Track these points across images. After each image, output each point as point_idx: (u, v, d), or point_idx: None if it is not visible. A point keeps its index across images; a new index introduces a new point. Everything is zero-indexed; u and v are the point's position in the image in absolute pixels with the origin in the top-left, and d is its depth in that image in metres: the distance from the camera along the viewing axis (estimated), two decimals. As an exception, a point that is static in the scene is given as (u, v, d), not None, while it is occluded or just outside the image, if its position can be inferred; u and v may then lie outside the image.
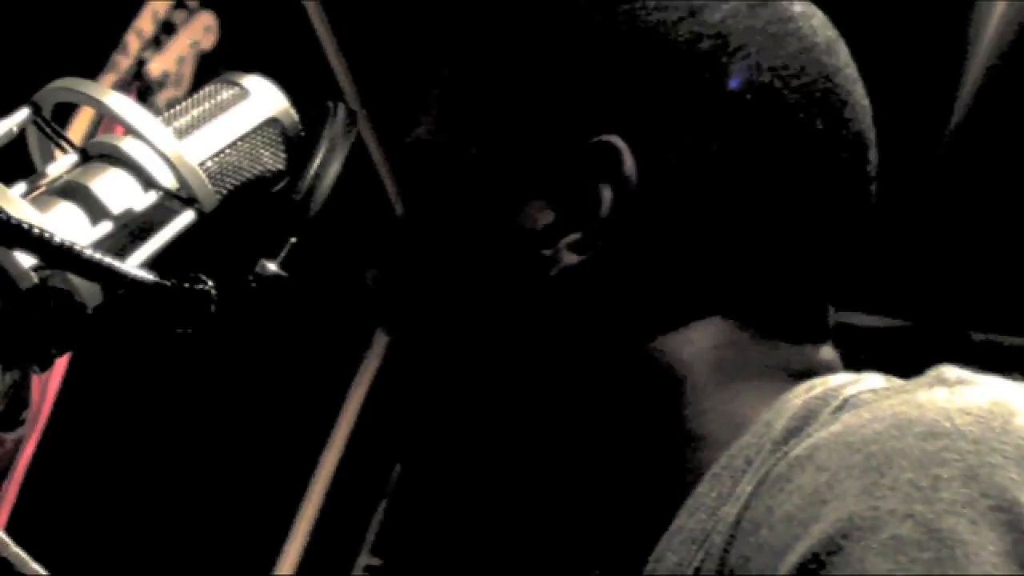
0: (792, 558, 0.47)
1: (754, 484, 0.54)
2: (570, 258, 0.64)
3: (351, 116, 0.66)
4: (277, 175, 0.65)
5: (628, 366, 0.64)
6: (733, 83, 0.64)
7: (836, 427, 0.53)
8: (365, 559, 3.33)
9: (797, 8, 0.66)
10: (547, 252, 0.64)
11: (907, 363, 0.69)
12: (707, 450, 0.62)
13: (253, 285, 0.60)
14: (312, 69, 2.74)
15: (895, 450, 0.49)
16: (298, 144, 0.66)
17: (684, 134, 0.64)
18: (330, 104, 0.66)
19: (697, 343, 0.64)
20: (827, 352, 0.67)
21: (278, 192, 0.65)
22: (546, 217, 0.65)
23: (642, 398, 0.64)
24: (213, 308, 0.56)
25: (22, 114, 0.61)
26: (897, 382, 0.60)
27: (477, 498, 0.71)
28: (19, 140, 0.62)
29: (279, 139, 0.65)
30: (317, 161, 0.63)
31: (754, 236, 0.64)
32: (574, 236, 0.64)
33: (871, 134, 0.67)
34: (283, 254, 0.61)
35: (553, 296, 0.64)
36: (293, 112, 0.66)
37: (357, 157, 0.65)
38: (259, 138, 0.64)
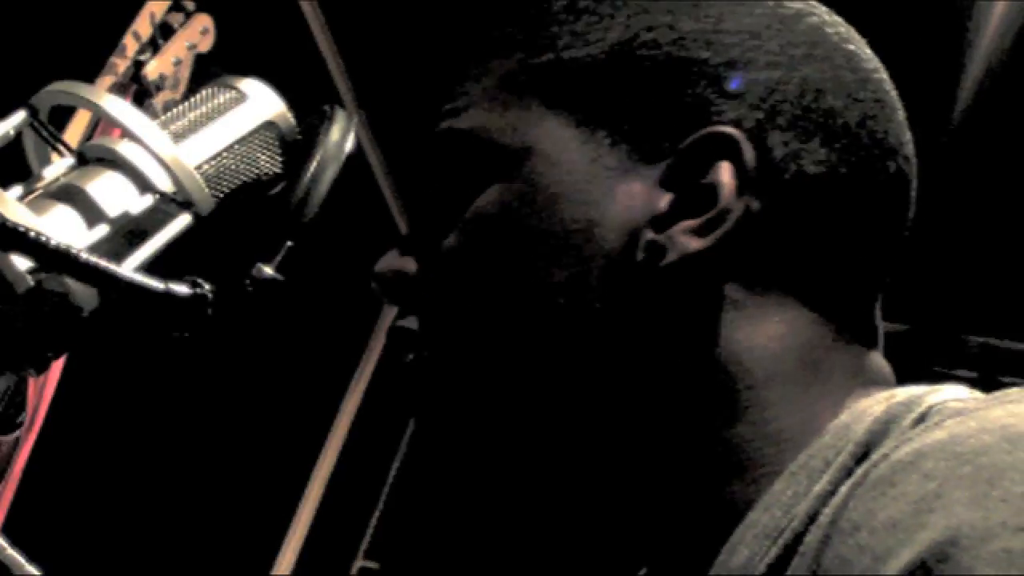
0: (896, 563, 0.47)
1: (848, 485, 0.54)
2: (693, 243, 0.62)
3: (348, 120, 0.66)
4: (274, 179, 0.65)
5: (710, 356, 0.64)
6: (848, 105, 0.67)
7: (940, 435, 0.52)
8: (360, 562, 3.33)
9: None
10: (656, 237, 0.63)
11: (903, 367, 0.69)
12: (783, 449, 0.62)
13: (249, 289, 0.59)
14: (309, 72, 2.74)
15: (1007, 463, 0.48)
16: (295, 148, 0.66)
17: (798, 133, 0.65)
18: (327, 108, 0.66)
19: (787, 340, 0.64)
20: (882, 359, 0.68)
21: (275, 196, 0.65)
22: (661, 200, 0.64)
23: (720, 390, 0.63)
24: (209, 311, 0.56)
25: (18, 117, 0.61)
26: (980, 394, 0.60)
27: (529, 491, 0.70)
28: (15, 143, 0.62)
29: (276, 143, 0.65)
30: (314, 165, 0.63)
31: (841, 241, 0.66)
32: (689, 223, 0.63)
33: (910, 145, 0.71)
34: (279, 258, 0.60)
35: (664, 282, 0.63)
36: (290, 116, 0.66)
37: (354, 161, 0.65)
38: (256, 142, 0.64)
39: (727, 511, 0.61)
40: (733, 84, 0.65)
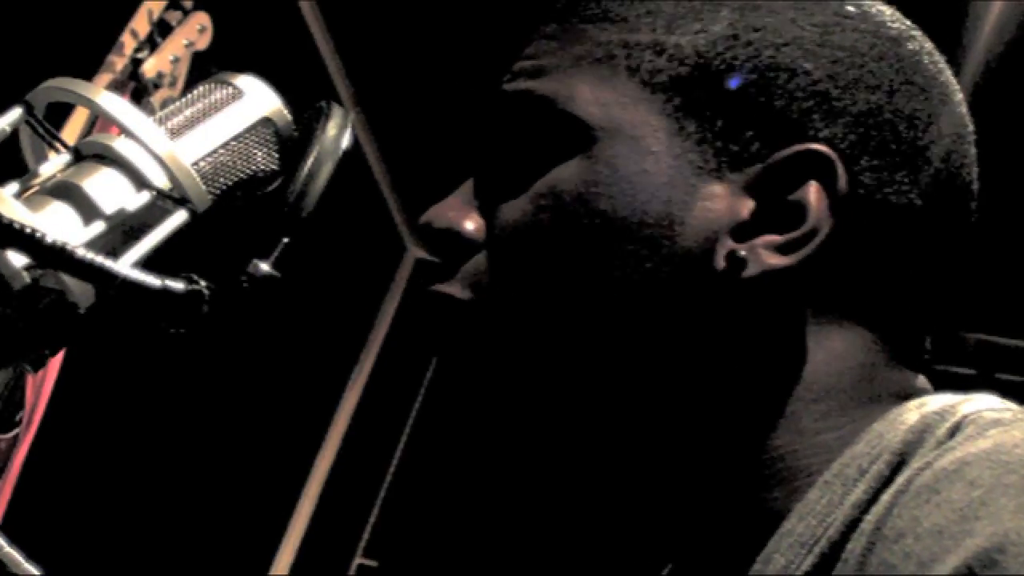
0: (943, 568, 0.46)
1: (891, 493, 0.54)
2: (775, 260, 0.62)
3: (345, 116, 0.66)
4: (270, 175, 0.65)
5: (770, 367, 0.63)
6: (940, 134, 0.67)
7: (985, 444, 0.52)
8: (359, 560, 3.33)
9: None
10: (737, 247, 0.62)
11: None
12: (824, 460, 0.61)
13: (246, 285, 0.60)
14: (307, 69, 2.74)
15: None
16: (291, 144, 0.66)
17: (887, 162, 0.64)
18: (324, 104, 0.66)
19: (845, 360, 0.64)
20: (926, 382, 0.68)
21: (271, 192, 0.65)
22: (743, 208, 0.63)
23: (774, 401, 0.63)
24: (206, 308, 0.56)
25: (15, 114, 0.61)
26: (1013, 404, 0.60)
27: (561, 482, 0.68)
28: (12, 140, 0.62)
29: (272, 139, 0.65)
30: (310, 161, 0.63)
31: (909, 271, 0.66)
32: (773, 238, 0.62)
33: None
34: (276, 254, 0.60)
35: (738, 293, 0.62)
36: (287, 112, 0.66)
37: (351, 157, 0.65)
38: (252, 138, 0.64)
39: (763, 518, 0.61)
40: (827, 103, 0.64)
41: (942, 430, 0.57)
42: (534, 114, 0.66)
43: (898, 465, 0.56)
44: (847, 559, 0.54)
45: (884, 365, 0.65)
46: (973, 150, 0.69)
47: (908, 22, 0.69)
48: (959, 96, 0.69)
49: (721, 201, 0.63)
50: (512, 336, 0.65)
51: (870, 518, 0.54)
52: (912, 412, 0.60)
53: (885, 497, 0.54)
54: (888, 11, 0.69)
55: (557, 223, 0.64)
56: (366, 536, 3.36)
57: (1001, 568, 0.45)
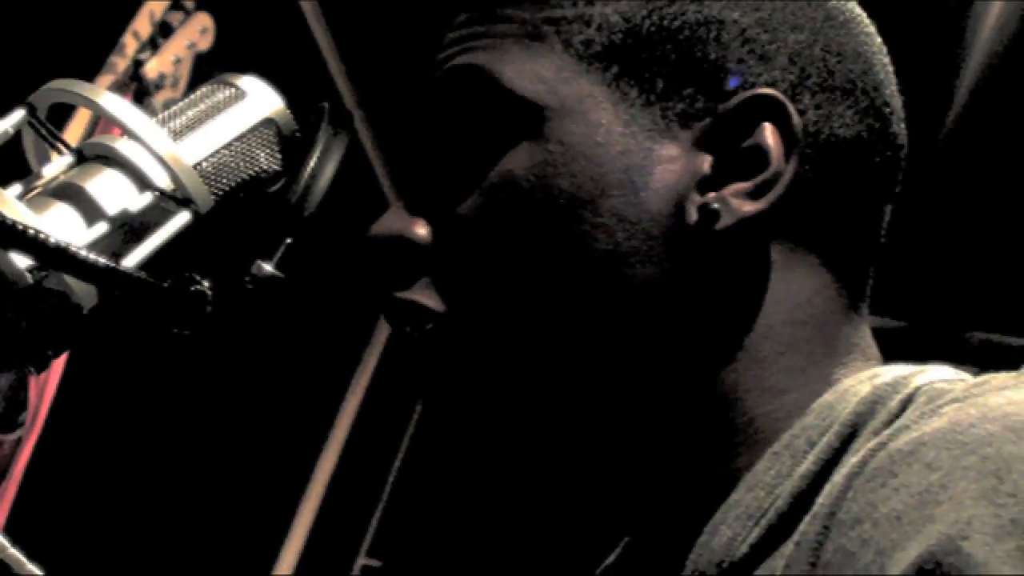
0: (904, 556, 0.46)
1: (844, 475, 0.53)
2: (749, 206, 0.62)
3: (347, 117, 0.66)
4: (273, 176, 0.66)
5: (747, 319, 0.63)
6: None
7: (940, 423, 0.51)
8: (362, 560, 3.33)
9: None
10: (706, 200, 0.62)
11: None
12: (769, 426, 0.61)
13: (249, 286, 0.60)
14: (309, 70, 2.74)
15: (1013, 456, 0.47)
16: (294, 145, 0.66)
17: (827, 97, 0.65)
18: (326, 105, 0.66)
19: (810, 307, 0.64)
20: (870, 334, 0.68)
21: (274, 193, 0.65)
22: (704, 162, 0.63)
23: (749, 356, 0.63)
24: (209, 309, 0.56)
25: (18, 115, 0.61)
26: (967, 375, 0.60)
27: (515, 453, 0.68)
28: (15, 141, 0.62)
29: (275, 140, 0.65)
30: (313, 162, 0.63)
31: (860, 205, 0.66)
32: (742, 185, 0.62)
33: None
34: (279, 255, 0.60)
35: (715, 245, 0.62)
36: (289, 113, 0.66)
37: (353, 158, 0.65)
38: (255, 139, 0.64)
39: (723, 483, 0.60)
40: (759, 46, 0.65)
41: (894, 402, 0.56)
42: (471, 93, 0.65)
43: (848, 437, 0.56)
44: (800, 542, 0.53)
45: (841, 311, 0.65)
46: (895, 81, 0.70)
47: None
48: (873, 29, 0.70)
49: (679, 160, 0.63)
50: (488, 330, 0.64)
51: (823, 500, 0.54)
52: (864, 384, 0.60)
53: (837, 478, 0.54)
54: None
55: (519, 211, 0.63)
56: (369, 536, 3.36)
57: (964, 556, 0.44)
